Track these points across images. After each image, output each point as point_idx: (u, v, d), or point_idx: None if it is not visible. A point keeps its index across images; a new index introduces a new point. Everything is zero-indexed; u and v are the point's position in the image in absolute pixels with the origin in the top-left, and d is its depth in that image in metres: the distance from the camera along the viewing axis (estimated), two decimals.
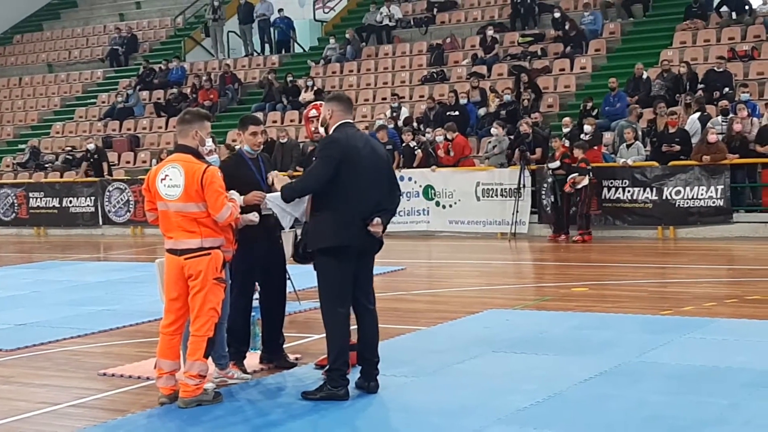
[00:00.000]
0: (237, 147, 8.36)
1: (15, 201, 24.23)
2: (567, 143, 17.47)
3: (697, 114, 17.83)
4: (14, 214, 24.28)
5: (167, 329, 6.83)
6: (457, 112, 20.67)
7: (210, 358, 6.97)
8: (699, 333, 8.55)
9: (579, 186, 16.72)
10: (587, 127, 17.96)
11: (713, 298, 10.48)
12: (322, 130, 7.05)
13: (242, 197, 7.17)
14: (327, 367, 6.89)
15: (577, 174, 16.68)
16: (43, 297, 12.70)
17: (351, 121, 6.97)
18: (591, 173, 16.76)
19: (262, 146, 7.82)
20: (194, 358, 6.70)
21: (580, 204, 16.82)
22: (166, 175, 6.72)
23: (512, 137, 18.78)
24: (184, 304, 6.77)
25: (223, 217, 6.67)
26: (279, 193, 7.02)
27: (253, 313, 7.94)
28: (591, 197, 16.90)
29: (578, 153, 16.86)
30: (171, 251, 6.75)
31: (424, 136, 20.15)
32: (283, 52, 29.28)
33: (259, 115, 22.01)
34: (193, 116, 6.96)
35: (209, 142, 7.08)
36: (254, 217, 7.28)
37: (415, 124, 21.03)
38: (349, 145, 6.72)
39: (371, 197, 6.71)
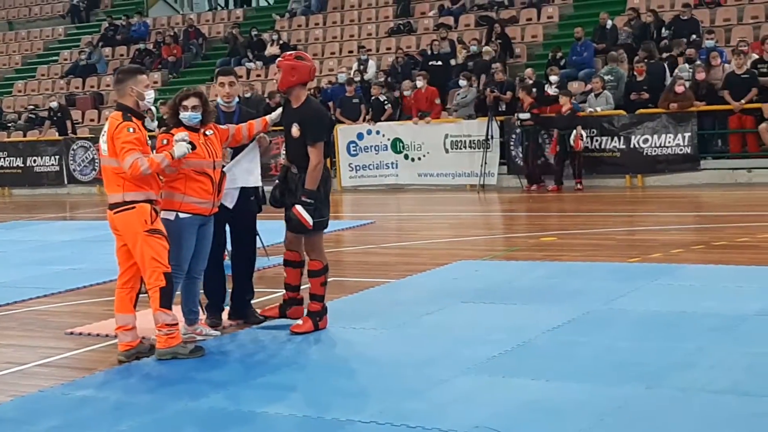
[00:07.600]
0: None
1: None
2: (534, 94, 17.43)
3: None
4: None
5: (118, 283, 6.98)
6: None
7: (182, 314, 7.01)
8: (666, 279, 8.59)
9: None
10: (553, 78, 17.90)
11: (680, 245, 10.53)
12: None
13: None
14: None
15: (580, 126, 16.57)
16: (8, 257, 12.57)
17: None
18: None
19: (234, 98, 7.70)
20: (154, 309, 6.76)
21: (577, 154, 16.72)
22: (103, 133, 6.84)
23: (481, 88, 18.70)
24: (129, 257, 6.82)
25: (125, 168, 6.62)
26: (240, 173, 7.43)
27: None
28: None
29: (565, 101, 16.78)
30: (108, 206, 6.82)
31: (393, 89, 20.00)
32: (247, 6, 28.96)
33: None
34: (125, 74, 6.97)
35: (150, 94, 6.92)
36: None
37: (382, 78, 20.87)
38: None
39: None
